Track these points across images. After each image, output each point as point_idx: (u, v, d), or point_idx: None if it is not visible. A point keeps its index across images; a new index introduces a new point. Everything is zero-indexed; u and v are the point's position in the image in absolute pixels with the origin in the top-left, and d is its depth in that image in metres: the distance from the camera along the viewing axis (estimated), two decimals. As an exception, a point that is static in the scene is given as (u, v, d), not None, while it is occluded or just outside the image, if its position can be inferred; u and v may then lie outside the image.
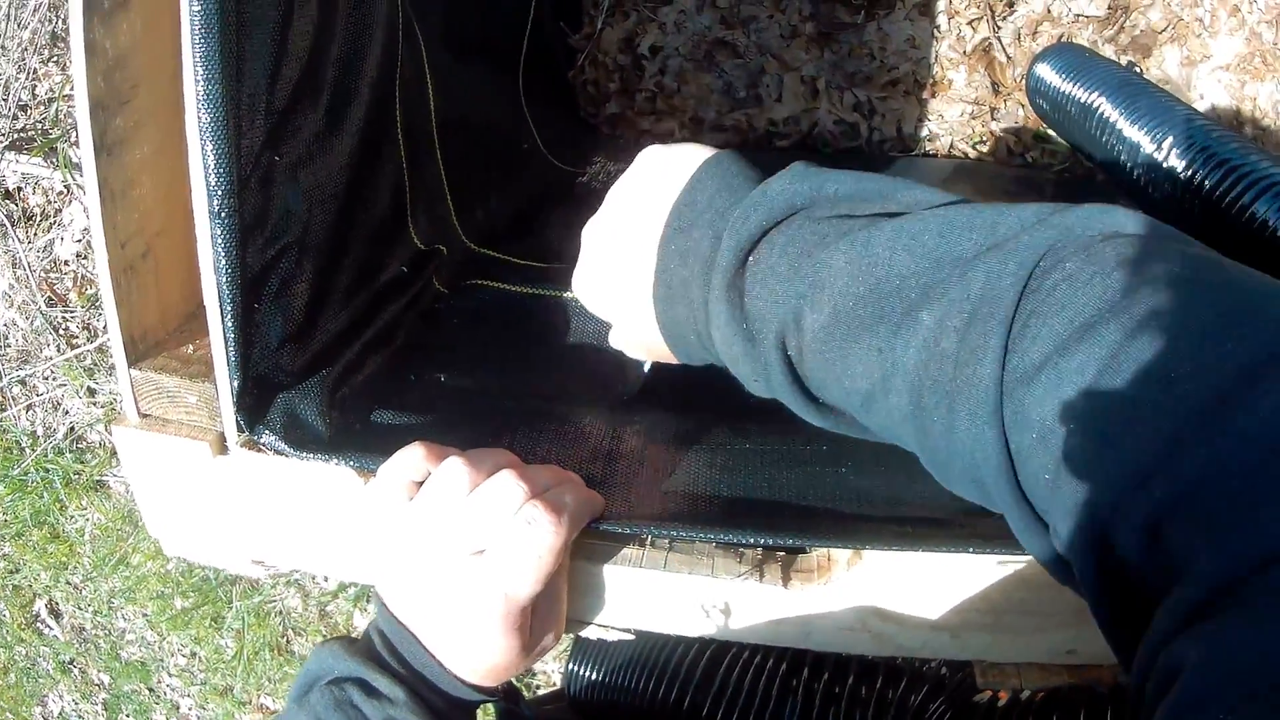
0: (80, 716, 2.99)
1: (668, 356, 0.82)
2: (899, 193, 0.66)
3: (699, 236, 0.71)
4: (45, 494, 2.66)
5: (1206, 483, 0.43)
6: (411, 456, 0.75)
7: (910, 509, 0.77)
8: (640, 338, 0.81)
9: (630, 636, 0.84)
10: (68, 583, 2.83)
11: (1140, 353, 0.47)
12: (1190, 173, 1.04)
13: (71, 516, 2.71)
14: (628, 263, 0.77)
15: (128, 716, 2.94)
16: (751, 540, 0.76)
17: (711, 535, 0.76)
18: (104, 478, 2.65)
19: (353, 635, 2.34)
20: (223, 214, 0.75)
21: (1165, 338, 0.47)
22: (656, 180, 0.77)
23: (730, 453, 0.84)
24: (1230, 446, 0.42)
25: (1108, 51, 1.55)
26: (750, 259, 0.68)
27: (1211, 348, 0.46)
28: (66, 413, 2.56)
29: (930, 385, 0.57)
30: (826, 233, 0.66)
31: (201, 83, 0.72)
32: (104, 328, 2.40)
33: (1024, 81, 1.41)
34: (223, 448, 0.85)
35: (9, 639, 2.94)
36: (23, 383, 2.55)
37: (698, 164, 0.75)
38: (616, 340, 0.87)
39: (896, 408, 0.61)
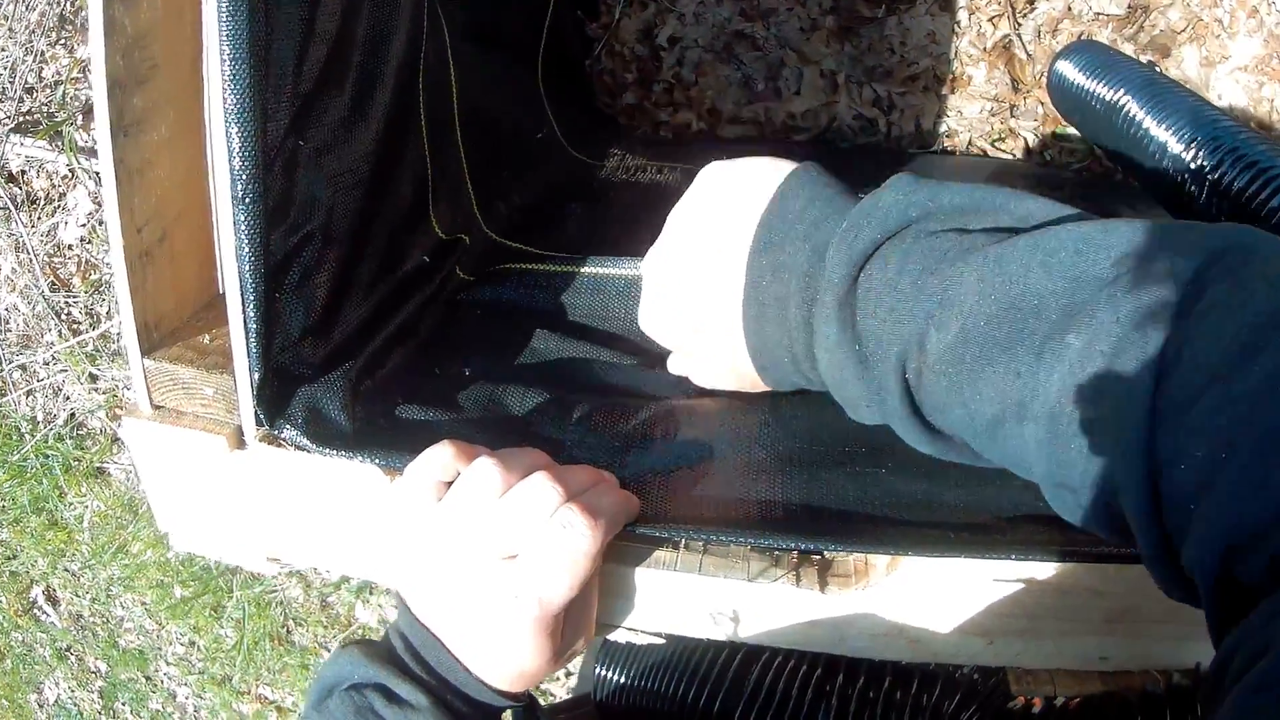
0: (76, 704, 2.98)
1: (755, 384, 0.81)
2: (1011, 204, 0.65)
3: (793, 250, 0.70)
4: (44, 480, 2.65)
5: None
6: (440, 455, 0.72)
7: (950, 513, 0.75)
8: (724, 366, 0.81)
9: (658, 640, 0.82)
10: (66, 570, 2.82)
11: None
12: (1218, 174, 1.03)
13: (70, 503, 2.70)
14: (705, 287, 0.76)
15: (124, 704, 2.94)
16: (789, 545, 0.74)
17: (748, 539, 0.74)
18: (104, 465, 2.64)
19: (355, 628, 2.32)
20: (247, 199, 0.74)
21: None
22: (726, 197, 0.76)
23: (768, 452, 0.82)
24: None
25: (1127, 50, 1.54)
26: (861, 275, 0.67)
27: None
28: (68, 399, 2.55)
29: (1071, 412, 0.56)
30: (947, 249, 0.64)
31: (228, 63, 0.71)
32: (107, 313, 2.39)
33: (1045, 78, 1.40)
34: (240, 442, 0.83)
35: (6, 625, 2.93)
36: (23, 368, 2.53)
37: (775, 176, 0.75)
38: (678, 367, 0.86)
39: (1030, 434, 0.59)
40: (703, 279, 0.77)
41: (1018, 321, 0.59)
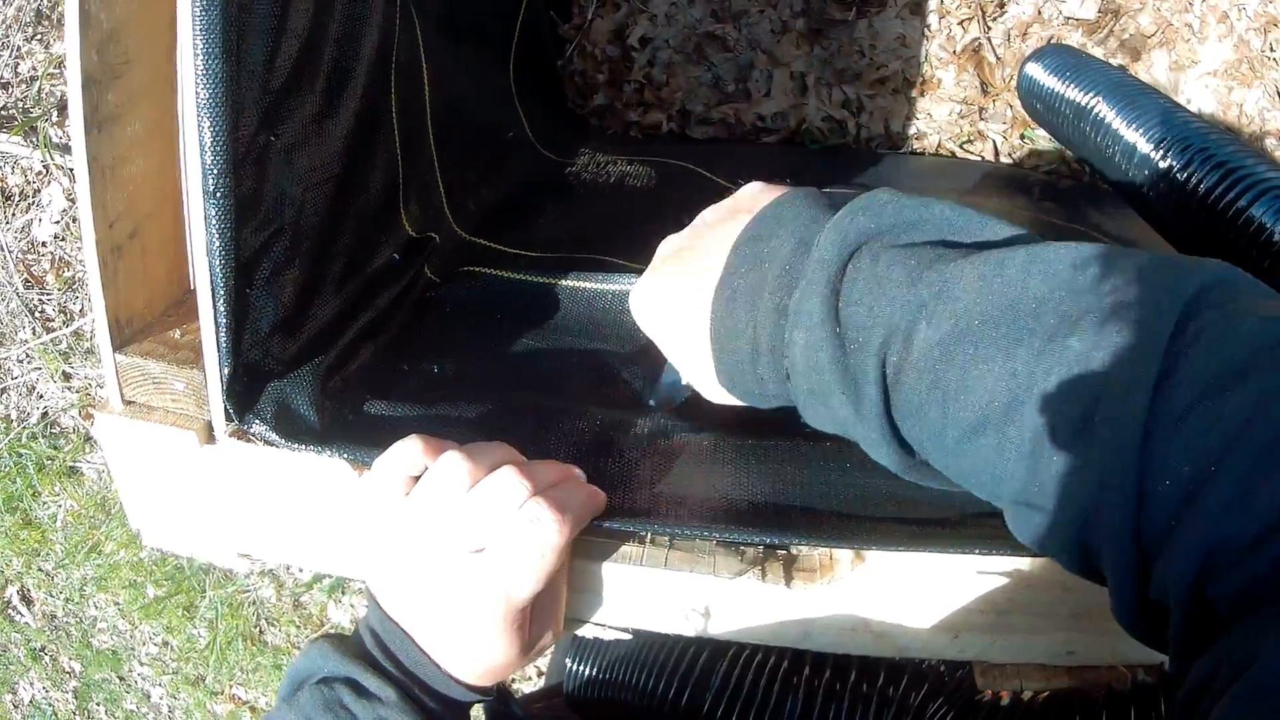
0: (51, 704, 2.97)
1: (710, 385, 0.78)
2: (997, 227, 0.65)
3: (778, 243, 0.70)
4: (18, 479, 2.64)
5: None
6: (408, 450, 0.73)
7: (916, 508, 0.76)
8: (690, 360, 0.78)
9: (627, 635, 0.82)
10: (39, 569, 2.81)
11: None
12: (1187, 174, 1.04)
13: (44, 503, 2.69)
14: (693, 275, 0.75)
15: (98, 705, 2.93)
16: (754, 539, 0.75)
17: (714, 533, 0.75)
18: (77, 464, 2.63)
19: (328, 628, 2.33)
20: (218, 194, 0.74)
21: None
22: (748, 202, 0.76)
23: (734, 448, 0.83)
24: None
25: (1097, 54, 1.55)
26: (851, 265, 0.65)
27: None
28: (41, 397, 2.54)
29: (1063, 418, 0.55)
30: (941, 253, 0.63)
31: (201, 57, 0.71)
32: (80, 311, 2.39)
33: (1014, 82, 1.41)
34: (210, 437, 0.83)
35: (-22, 625, 2.92)
36: (-4, 365, 2.53)
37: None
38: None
39: (1013, 441, 0.58)
40: (695, 270, 0.75)
41: (1017, 321, 0.58)
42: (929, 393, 0.61)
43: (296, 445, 0.79)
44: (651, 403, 0.95)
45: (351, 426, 0.83)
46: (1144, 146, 1.09)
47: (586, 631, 0.82)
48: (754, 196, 0.77)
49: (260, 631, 2.69)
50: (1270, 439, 0.47)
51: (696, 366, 0.77)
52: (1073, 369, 0.55)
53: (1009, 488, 0.59)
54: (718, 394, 0.78)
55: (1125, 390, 0.52)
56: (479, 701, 0.76)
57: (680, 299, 0.76)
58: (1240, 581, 0.45)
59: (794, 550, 0.79)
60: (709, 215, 0.79)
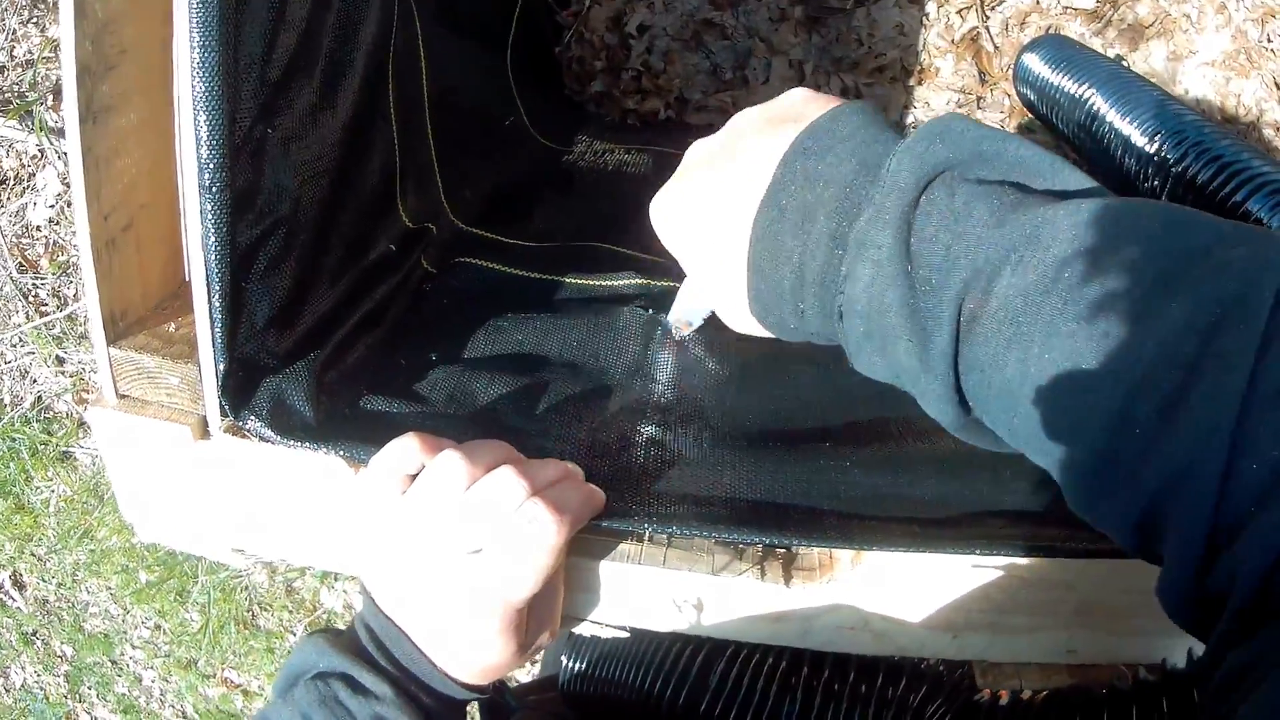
0: (42, 688, 2.97)
1: (737, 309, 0.73)
2: (1067, 174, 0.60)
3: (835, 160, 0.64)
4: (11, 464, 2.63)
5: None
6: (405, 448, 0.71)
7: (916, 508, 0.75)
8: (709, 277, 0.74)
9: (624, 633, 0.82)
10: (32, 554, 2.81)
11: None
12: (1182, 167, 1.04)
13: (37, 487, 2.68)
14: (729, 184, 0.70)
15: (90, 688, 2.93)
16: (753, 539, 0.74)
17: (712, 533, 0.74)
18: (70, 449, 2.62)
19: (320, 612, 2.31)
20: (214, 188, 0.73)
21: None
22: (794, 110, 0.70)
23: (733, 446, 0.82)
24: None
25: (1094, 44, 1.54)
26: (924, 197, 0.60)
27: None
28: (34, 381, 2.53)
29: (1152, 388, 0.51)
30: (1022, 195, 0.59)
31: (197, 50, 0.69)
32: (74, 295, 2.38)
33: (1011, 71, 1.40)
34: (205, 432, 0.82)
35: (-30, 610, 2.92)
36: (-11, 349, 2.52)
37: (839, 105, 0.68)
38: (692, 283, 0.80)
39: (1100, 406, 0.53)
40: (731, 176, 0.70)
41: (1111, 278, 0.53)
42: (1008, 346, 0.56)
43: (292, 441, 0.78)
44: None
45: (348, 423, 0.82)
46: (1138, 138, 1.09)
47: (584, 629, 0.82)
48: (801, 104, 0.71)
49: (253, 616, 2.69)
50: None
51: (724, 287, 0.73)
52: (1171, 336, 0.51)
53: (1081, 453, 0.55)
54: (743, 321, 0.74)
55: (1225, 363, 0.49)
56: (476, 699, 0.75)
57: (713, 209, 0.72)
58: None
59: (793, 549, 0.78)
60: (745, 121, 0.73)
